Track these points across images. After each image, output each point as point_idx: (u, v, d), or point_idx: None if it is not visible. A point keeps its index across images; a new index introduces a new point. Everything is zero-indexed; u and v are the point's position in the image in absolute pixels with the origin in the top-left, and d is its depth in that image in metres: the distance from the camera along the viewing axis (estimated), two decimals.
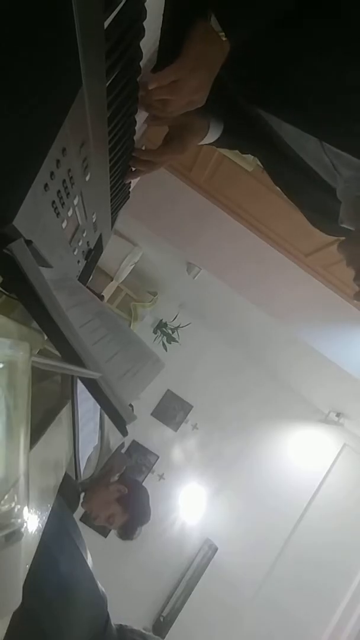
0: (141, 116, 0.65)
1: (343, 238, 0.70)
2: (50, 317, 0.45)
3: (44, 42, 0.37)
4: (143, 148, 0.77)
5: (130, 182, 0.85)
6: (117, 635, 1.02)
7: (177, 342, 4.09)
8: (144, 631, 1.10)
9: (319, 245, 2.49)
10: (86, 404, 0.85)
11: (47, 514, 0.64)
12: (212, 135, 0.79)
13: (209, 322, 4.15)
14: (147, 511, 1.70)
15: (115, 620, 1.05)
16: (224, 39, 0.55)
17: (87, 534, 1.21)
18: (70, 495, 1.47)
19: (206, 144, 0.82)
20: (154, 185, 2.56)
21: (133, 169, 0.77)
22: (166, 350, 4.03)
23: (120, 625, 1.06)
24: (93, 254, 0.81)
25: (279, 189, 0.89)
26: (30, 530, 0.54)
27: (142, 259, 3.40)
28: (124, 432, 0.54)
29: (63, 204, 0.50)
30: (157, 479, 4.04)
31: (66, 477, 0.84)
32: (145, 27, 0.47)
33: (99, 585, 1.02)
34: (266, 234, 2.71)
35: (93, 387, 0.51)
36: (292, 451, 4.23)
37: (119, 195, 0.82)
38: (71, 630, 0.91)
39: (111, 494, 1.61)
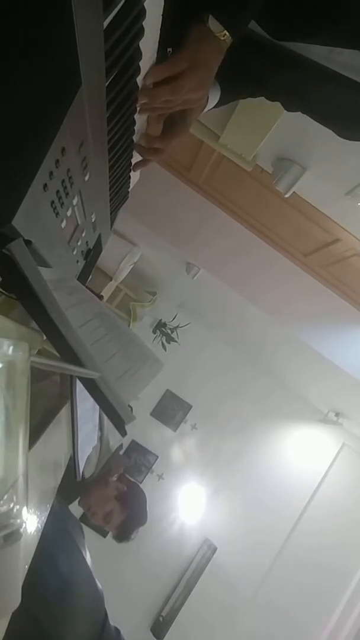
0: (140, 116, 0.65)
1: None
2: (49, 316, 0.45)
3: (44, 42, 0.37)
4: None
5: (129, 182, 0.84)
6: (114, 634, 1.02)
7: (176, 342, 4.09)
8: None
9: (318, 245, 2.49)
10: (85, 404, 0.85)
11: (46, 514, 0.64)
12: (212, 100, 0.78)
13: (209, 322, 4.15)
14: (144, 513, 1.71)
15: (113, 620, 1.05)
16: (222, 38, 0.56)
17: (86, 534, 1.21)
18: (69, 488, 1.47)
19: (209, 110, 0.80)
20: (153, 185, 2.56)
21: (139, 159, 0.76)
22: (165, 350, 4.03)
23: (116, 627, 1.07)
24: (92, 254, 0.81)
25: (305, 114, 0.85)
26: (29, 531, 0.54)
27: (141, 259, 3.39)
28: (123, 433, 0.54)
29: (62, 203, 0.50)
30: (157, 479, 4.04)
31: (66, 472, 0.84)
32: (144, 27, 0.47)
33: (97, 583, 1.02)
34: (265, 234, 2.71)
35: (92, 387, 0.51)
36: (291, 451, 4.24)
37: (118, 195, 0.82)
38: (70, 629, 0.91)
39: (111, 490, 1.63)
